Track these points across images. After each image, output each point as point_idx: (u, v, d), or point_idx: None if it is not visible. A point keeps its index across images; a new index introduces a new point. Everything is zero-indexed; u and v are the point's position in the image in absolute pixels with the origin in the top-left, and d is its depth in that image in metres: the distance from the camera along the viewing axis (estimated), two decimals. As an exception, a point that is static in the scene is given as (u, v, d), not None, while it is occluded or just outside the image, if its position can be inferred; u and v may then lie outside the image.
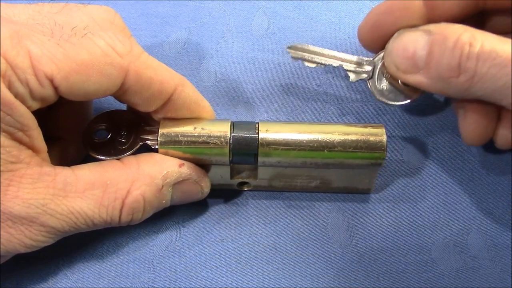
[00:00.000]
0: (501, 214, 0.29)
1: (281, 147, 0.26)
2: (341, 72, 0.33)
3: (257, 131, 0.26)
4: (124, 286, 0.27)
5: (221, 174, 0.28)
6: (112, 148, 0.27)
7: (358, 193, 0.30)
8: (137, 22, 0.32)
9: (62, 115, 0.28)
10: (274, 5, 0.36)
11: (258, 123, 0.27)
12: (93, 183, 0.24)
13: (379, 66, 0.29)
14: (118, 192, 0.24)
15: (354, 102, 0.32)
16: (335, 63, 0.30)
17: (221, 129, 0.26)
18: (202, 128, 0.26)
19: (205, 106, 0.27)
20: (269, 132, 0.26)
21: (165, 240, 0.28)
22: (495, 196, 0.30)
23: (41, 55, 0.21)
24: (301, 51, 0.30)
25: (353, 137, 0.26)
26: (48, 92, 0.22)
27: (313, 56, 0.30)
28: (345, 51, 0.34)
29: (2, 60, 0.20)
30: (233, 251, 0.28)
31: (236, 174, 0.28)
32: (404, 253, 0.28)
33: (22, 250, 0.23)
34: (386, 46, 0.27)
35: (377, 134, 0.26)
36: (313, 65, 0.30)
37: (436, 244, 0.28)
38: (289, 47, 0.30)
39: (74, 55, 0.22)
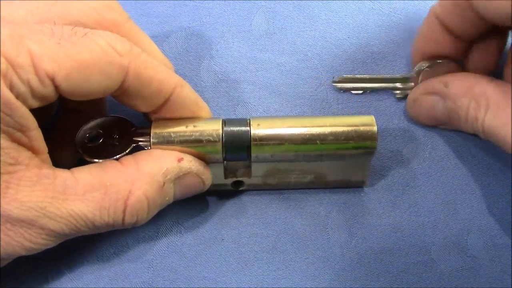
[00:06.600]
0: (501, 214, 0.29)
1: (273, 140, 0.26)
2: (340, 73, 0.33)
3: (248, 126, 0.27)
4: (124, 286, 0.27)
5: (215, 174, 0.28)
6: (106, 151, 0.26)
7: (353, 186, 0.30)
8: (137, 22, 0.32)
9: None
10: (274, 5, 0.36)
11: (249, 119, 0.27)
12: (93, 185, 0.23)
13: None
14: (119, 193, 0.24)
15: (355, 102, 0.32)
16: (381, 86, 0.32)
17: (213, 126, 0.26)
18: (194, 126, 0.26)
19: (203, 107, 0.27)
20: (260, 126, 0.27)
21: (165, 240, 0.28)
22: (495, 196, 0.30)
23: (42, 54, 0.21)
24: (346, 82, 0.32)
25: (344, 128, 0.27)
26: (49, 91, 0.22)
27: (358, 84, 0.32)
28: (345, 51, 0.34)
29: (3, 60, 0.20)
30: (233, 251, 0.28)
31: (230, 173, 0.29)
32: (404, 253, 0.28)
33: (23, 252, 0.23)
34: (408, 109, 0.31)
35: (368, 124, 0.27)
36: (361, 92, 0.32)
37: (436, 244, 0.29)
38: (335, 82, 0.32)
39: (75, 54, 0.22)
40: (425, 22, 0.30)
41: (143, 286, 0.27)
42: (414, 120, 0.31)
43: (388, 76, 0.32)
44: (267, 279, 0.28)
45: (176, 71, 0.33)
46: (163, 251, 0.28)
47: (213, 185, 0.28)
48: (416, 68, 0.31)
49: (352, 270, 0.28)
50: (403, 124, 0.32)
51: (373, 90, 0.32)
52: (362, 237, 0.29)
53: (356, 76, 0.32)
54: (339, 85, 0.32)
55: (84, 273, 0.27)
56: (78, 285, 0.27)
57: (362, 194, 0.30)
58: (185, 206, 0.29)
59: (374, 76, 0.32)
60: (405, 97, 0.32)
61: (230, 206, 0.29)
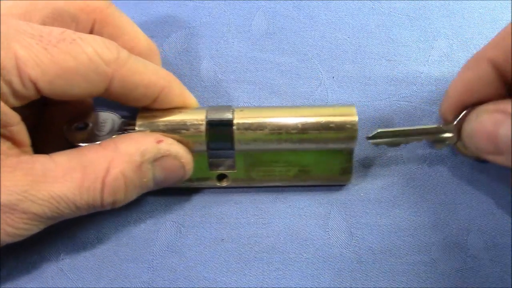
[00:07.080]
0: (501, 214, 0.29)
1: (256, 125, 0.27)
2: (340, 73, 0.33)
3: (231, 112, 0.27)
4: (124, 286, 0.27)
5: (200, 166, 0.28)
6: (93, 139, 0.27)
7: (339, 181, 0.30)
8: (137, 22, 0.32)
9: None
10: (274, 5, 0.36)
11: (232, 107, 0.28)
12: (72, 167, 0.24)
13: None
14: (97, 173, 0.24)
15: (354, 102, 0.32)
16: (417, 139, 0.29)
17: (198, 114, 0.27)
18: (179, 113, 0.27)
19: (192, 103, 0.28)
20: (243, 112, 0.27)
21: (165, 240, 0.28)
22: (495, 196, 0.30)
23: (27, 59, 0.22)
24: (382, 137, 0.29)
25: (326, 116, 0.27)
26: (30, 92, 0.22)
27: (394, 139, 0.29)
28: (345, 51, 0.33)
29: None
30: (233, 251, 0.28)
31: (214, 168, 0.29)
32: (404, 253, 0.28)
33: (7, 239, 0.23)
34: (465, 127, 0.27)
35: (349, 113, 0.27)
36: (398, 146, 0.29)
37: (436, 244, 0.29)
38: (369, 138, 0.29)
39: (60, 61, 0.22)
40: (471, 69, 0.27)
41: (143, 286, 0.27)
42: (469, 145, 0.27)
43: (425, 127, 0.29)
44: (267, 279, 0.28)
45: (176, 71, 0.33)
46: (163, 251, 0.28)
47: (197, 179, 0.29)
48: (459, 118, 0.28)
49: (351, 270, 0.28)
50: (405, 124, 0.32)
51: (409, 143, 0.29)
52: (362, 237, 0.29)
53: (391, 129, 0.29)
54: (375, 140, 0.29)
55: (84, 273, 0.27)
56: (78, 285, 0.27)
57: (362, 194, 0.30)
58: (185, 206, 0.29)
59: (409, 129, 0.29)
60: (445, 147, 0.29)
61: (230, 206, 0.29)
